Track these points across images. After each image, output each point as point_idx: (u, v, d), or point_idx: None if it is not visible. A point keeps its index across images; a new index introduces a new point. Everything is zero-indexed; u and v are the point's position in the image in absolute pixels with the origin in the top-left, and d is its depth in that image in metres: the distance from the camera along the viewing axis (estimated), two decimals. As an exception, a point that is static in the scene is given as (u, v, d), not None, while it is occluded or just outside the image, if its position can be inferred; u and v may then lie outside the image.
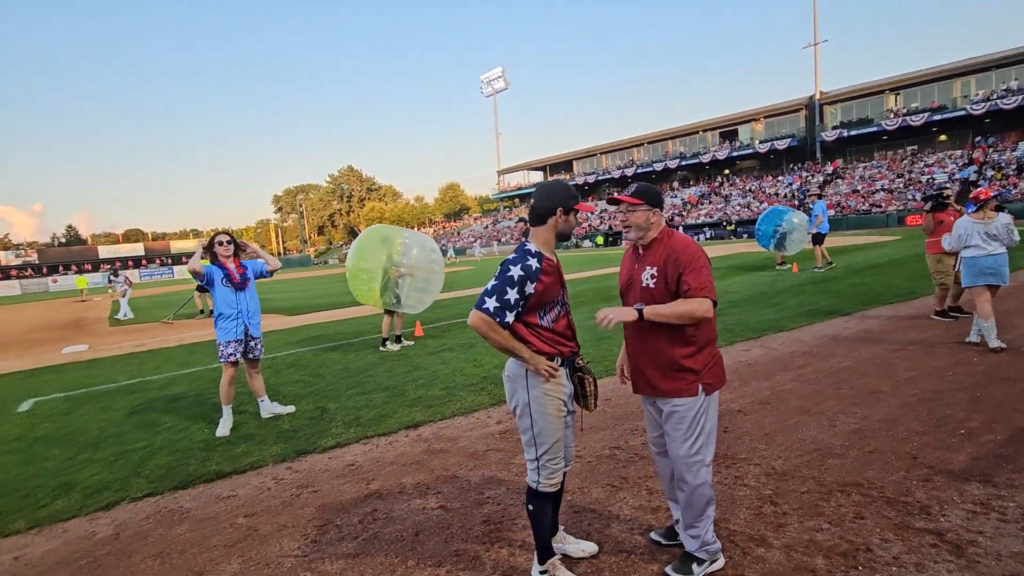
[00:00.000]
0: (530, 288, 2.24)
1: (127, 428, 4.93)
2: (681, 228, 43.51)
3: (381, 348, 7.49)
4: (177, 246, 67.63)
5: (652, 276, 2.35)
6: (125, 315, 15.67)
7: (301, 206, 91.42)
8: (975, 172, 35.64)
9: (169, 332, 11.82)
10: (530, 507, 2.39)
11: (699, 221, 44.20)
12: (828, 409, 4.22)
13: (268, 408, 5.03)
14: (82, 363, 8.54)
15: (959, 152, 38.76)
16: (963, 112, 37.79)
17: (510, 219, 65.32)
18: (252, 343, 4.85)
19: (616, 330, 7.22)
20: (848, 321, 7.22)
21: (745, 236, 39.20)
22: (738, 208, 43.66)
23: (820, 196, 13.56)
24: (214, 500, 3.51)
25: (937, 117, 39.07)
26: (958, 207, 6.69)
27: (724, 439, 3.78)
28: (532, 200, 2.42)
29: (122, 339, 11.45)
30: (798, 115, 47.55)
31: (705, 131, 52.81)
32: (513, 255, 2.32)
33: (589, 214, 56.27)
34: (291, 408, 5.10)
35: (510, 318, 2.23)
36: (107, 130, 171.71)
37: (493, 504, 3.19)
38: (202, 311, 14.33)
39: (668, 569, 2.41)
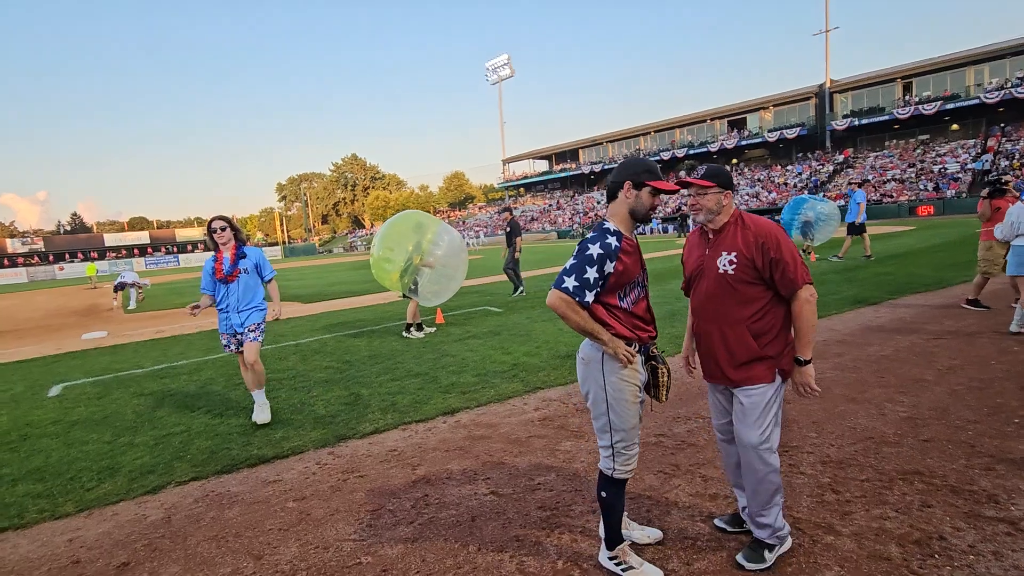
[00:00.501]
0: (609, 267, 2.16)
1: (162, 413, 4.92)
2: (691, 219, 43.25)
3: (404, 334, 7.45)
4: (182, 234, 67.76)
5: (731, 262, 2.28)
6: (137, 298, 15.69)
7: (305, 195, 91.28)
8: (989, 162, 35.23)
9: (188, 319, 11.80)
10: (603, 494, 2.34)
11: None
12: (874, 397, 4.17)
13: (259, 399, 4.58)
14: (105, 349, 8.54)
15: (972, 142, 38.32)
16: (976, 101, 37.29)
17: (515, 208, 65.11)
18: (241, 335, 4.54)
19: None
20: (878, 310, 7.15)
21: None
22: (747, 198, 43.35)
23: (860, 185, 13.43)
24: (261, 484, 3.50)
25: (950, 106, 38.58)
26: (1017, 193, 6.55)
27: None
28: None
29: (140, 325, 11.46)
30: (808, 103, 47.05)
31: (713, 120, 52.34)
32: (592, 233, 2.25)
33: (596, 203, 55.98)
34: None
35: (589, 298, 2.15)
36: (111, 117, 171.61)
37: (545, 490, 3.17)
38: None
39: (739, 558, 2.37)
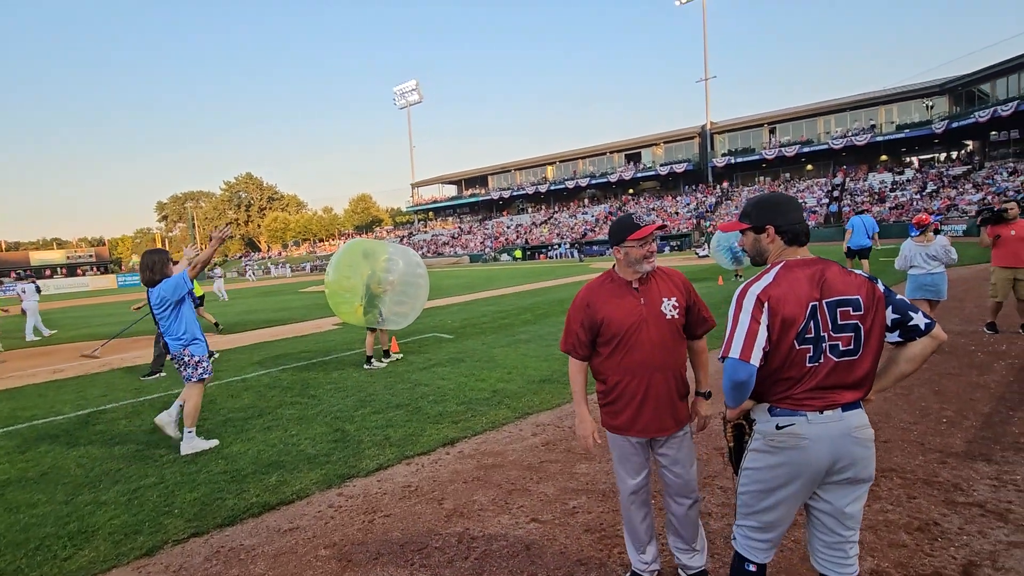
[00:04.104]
0: None
1: (119, 464, 4.33)
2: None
3: (366, 366, 7.17)
4: (39, 257, 58.84)
5: (674, 307, 2.35)
6: (34, 332, 13.53)
7: (192, 215, 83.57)
8: (839, 190, 41.37)
9: (86, 356, 10.33)
10: None
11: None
12: (828, 407, 4.77)
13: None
14: (-3, 393, 7.26)
15: (823, 180, 44.70)
16: (825, 146, 43.74)
17: (425, 232, 64.68)
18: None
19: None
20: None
21: (652, 252, 42.07)
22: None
23: (856, 212, 13.29)
24: (276, 534, 3.25)
25: (806, 149, 44.88)
26: (1010, 217, 6.63)
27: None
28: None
29: (23, 365, 9.83)
30: (693, 142, 52.15)
31: (612, 153, 56.14)
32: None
33: (506, 228, 57.30)
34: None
35: None
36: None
37: (584, 513, 3.27)
38: (217, 324, 12.13)
39: None
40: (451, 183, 68.70)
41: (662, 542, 2.76)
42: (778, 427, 1.80)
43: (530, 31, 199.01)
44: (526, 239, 52.06)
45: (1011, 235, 6.52)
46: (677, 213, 47.19)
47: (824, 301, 1.77)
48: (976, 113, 36.03)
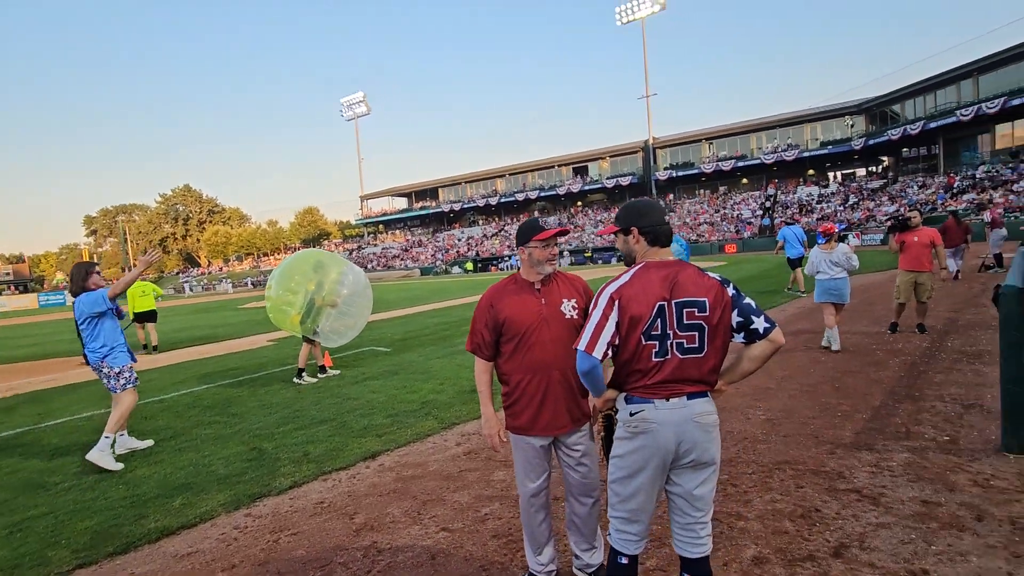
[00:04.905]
0: None
1: (5, 495, 4.03)
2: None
3: (296, 380, 6.96)
4: (-56, 276, 53.83)
5: (574, 307, 2.44)
6: None
7: (124, 229, 78.91)
8: (772, 201, 43.66)
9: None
10: None
11: (560, 247, 47.40)
12: (737, 405, 5.03)
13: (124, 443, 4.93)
14: None
15: (757, 193, 47.14)
16: (758, 161, 46.22)
17: (375, 245, 63.67)
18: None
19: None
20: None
21: (600, 262, 43.07)
22: (592, 236, 47.82)
23: (786, 223, 14.46)
24: (172, 559, 3.11)
25: (741, 164, 47.28)
26: (913, 225, 7.18)
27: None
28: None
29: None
30: (637, 156, 53.95)
31: (560, 166, 57.27)
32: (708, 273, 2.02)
33: (457, 240, 57.21)
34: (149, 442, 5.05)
35: None
36: None
37: (495, 519, 3.31)
38: (145, 346, 11.41)
39: None
40: (401, 195, 68.08)
41: (564, 543, 2.83)
42: (631, 413, 1.94)
43: (478, 47, 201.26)
44: (477, 251, 52.15)
45: (914, 241, 7.08)
46: (623, 225, 48.47)
47: (672, 301, 1.89)
48: (889, 132, 39.07)
